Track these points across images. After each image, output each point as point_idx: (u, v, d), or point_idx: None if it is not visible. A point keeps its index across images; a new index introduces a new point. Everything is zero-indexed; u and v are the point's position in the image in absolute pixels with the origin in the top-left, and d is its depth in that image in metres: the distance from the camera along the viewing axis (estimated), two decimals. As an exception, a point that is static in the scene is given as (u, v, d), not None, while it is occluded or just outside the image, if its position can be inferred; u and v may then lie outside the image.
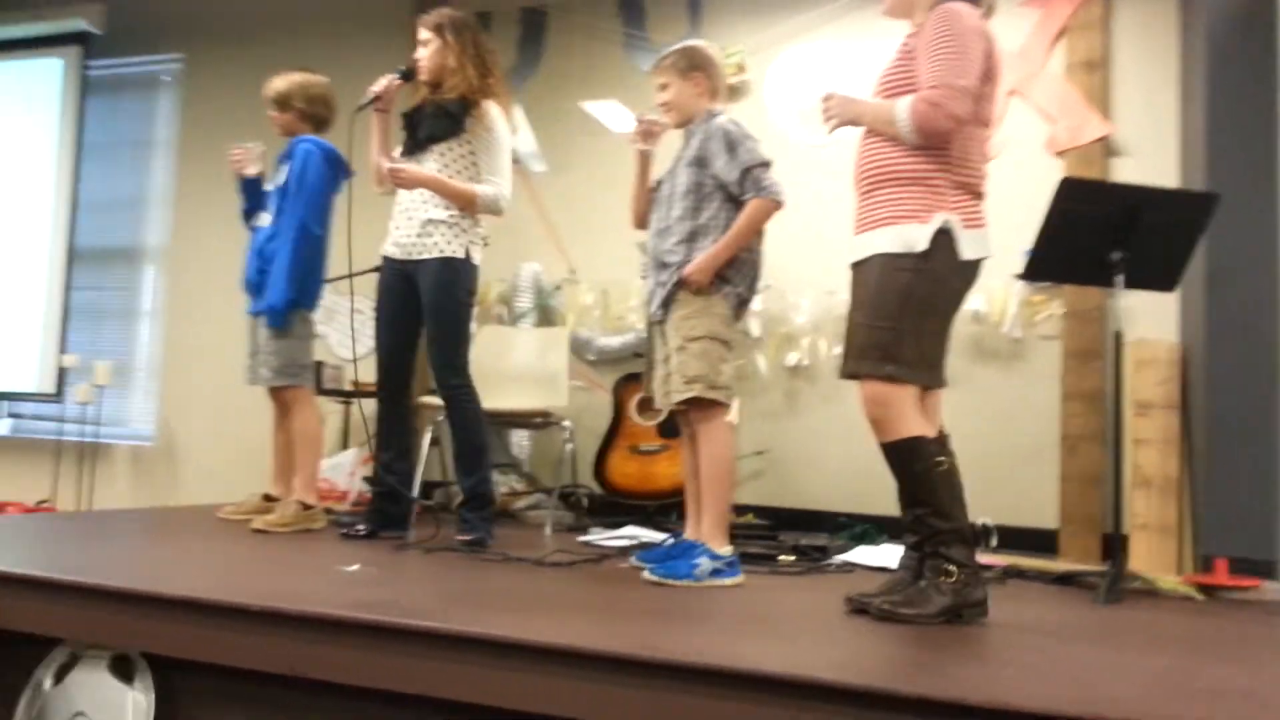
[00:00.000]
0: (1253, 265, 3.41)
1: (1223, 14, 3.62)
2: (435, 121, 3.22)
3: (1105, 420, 3.89)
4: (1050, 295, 4.10)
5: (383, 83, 3.28)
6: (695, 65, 3.03)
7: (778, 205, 2.87)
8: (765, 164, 2.89)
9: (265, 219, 3.58)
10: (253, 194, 3.68)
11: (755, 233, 2.89)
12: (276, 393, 3.58)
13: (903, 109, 2.30)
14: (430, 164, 3.22)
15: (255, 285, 3.56)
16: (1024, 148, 4.08)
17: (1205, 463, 3.47)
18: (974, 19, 2.36)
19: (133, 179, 5.93)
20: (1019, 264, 3.16)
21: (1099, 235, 2.96)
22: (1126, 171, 4.06)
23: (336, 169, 3.54)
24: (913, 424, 2.31)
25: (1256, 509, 3.27)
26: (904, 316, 2.30)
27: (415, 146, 3.26)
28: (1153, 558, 3.55)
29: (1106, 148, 4.11)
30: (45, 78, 5.98)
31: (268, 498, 3.65)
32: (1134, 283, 3.01)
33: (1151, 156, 4.05)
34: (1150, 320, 3.88)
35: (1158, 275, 3.10)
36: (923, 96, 2.27)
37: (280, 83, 3.65)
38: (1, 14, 6.00)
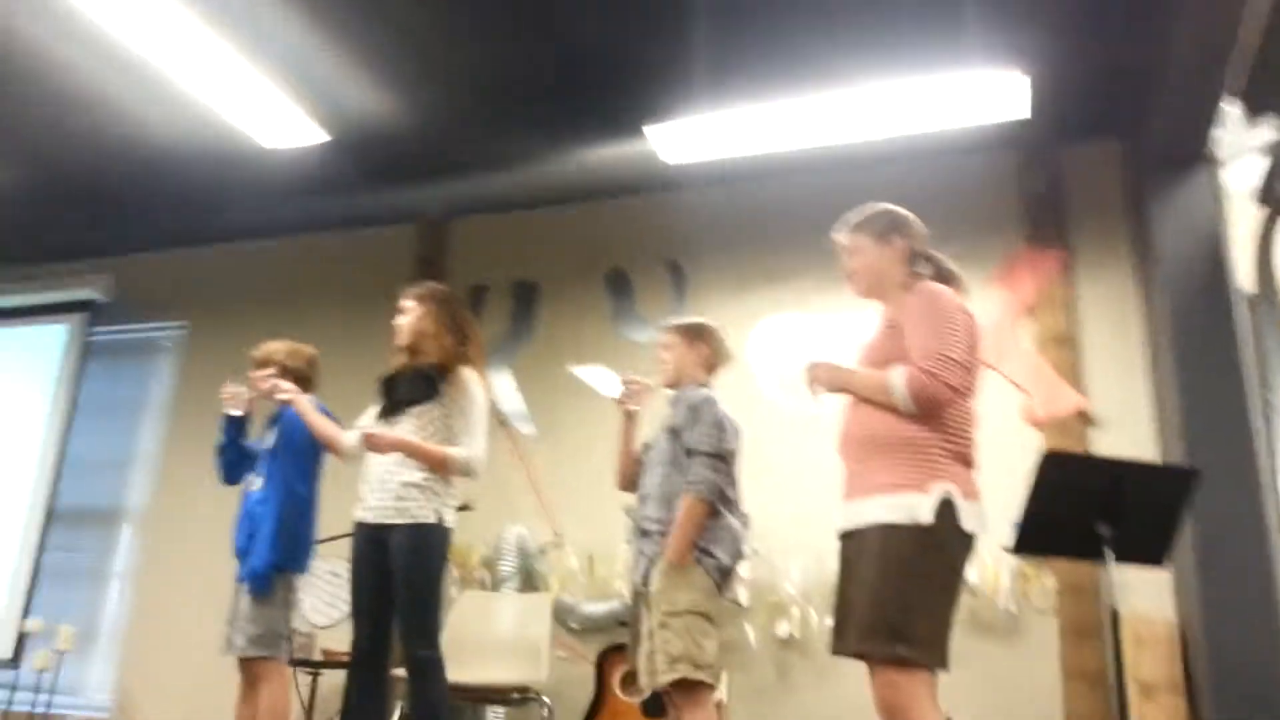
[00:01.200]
0: (1241, 539, 3.40)
1: (1181, 292, 3.81)
2: (412, 385, 3.29)
3: (1110, 703, 3.71)
4: (1042, 567, 4.04)
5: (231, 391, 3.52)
6: (701, 337, 3.19)
7: (705, 505, 2.85)
8: (710, 454, 2.90)
9: (256, 483, 3.57)
10: (232, 436, 3.66)
11: (695, 529, 2.84)
12: (247, 664, 3.41)
13: (898, 379, 2.34)
14: (405, 427, 3.25)
15: (244, 551, 3.49)
16: (1002, 419, 4.15)
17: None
18: (954, 296, 2.47)
19: (122, 440, 5.96)
20: (1007, 535, 3.13)
21: (1085, 507, 2.95)
22: (1105, 443, 4.12)
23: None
24: (927, 713, 2.18)
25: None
26: (912, 592, 2.22)
27: (391, 409, 3.31)
28: None
29: (1084, 420, 4.19)
30: (49, 343, 6.17)
31: None
32: (1123, 556, 2.97)
33: (1128, 429, 4.12)
34: (1147, 595, 3.78)
35: (1146, 549, 3.06)
36: (919, 367, 2.32)
37: (267, 345, 3.75)
38: (13, 284, 6.26)
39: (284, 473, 3.49)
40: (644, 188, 5.12)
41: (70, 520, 5.83)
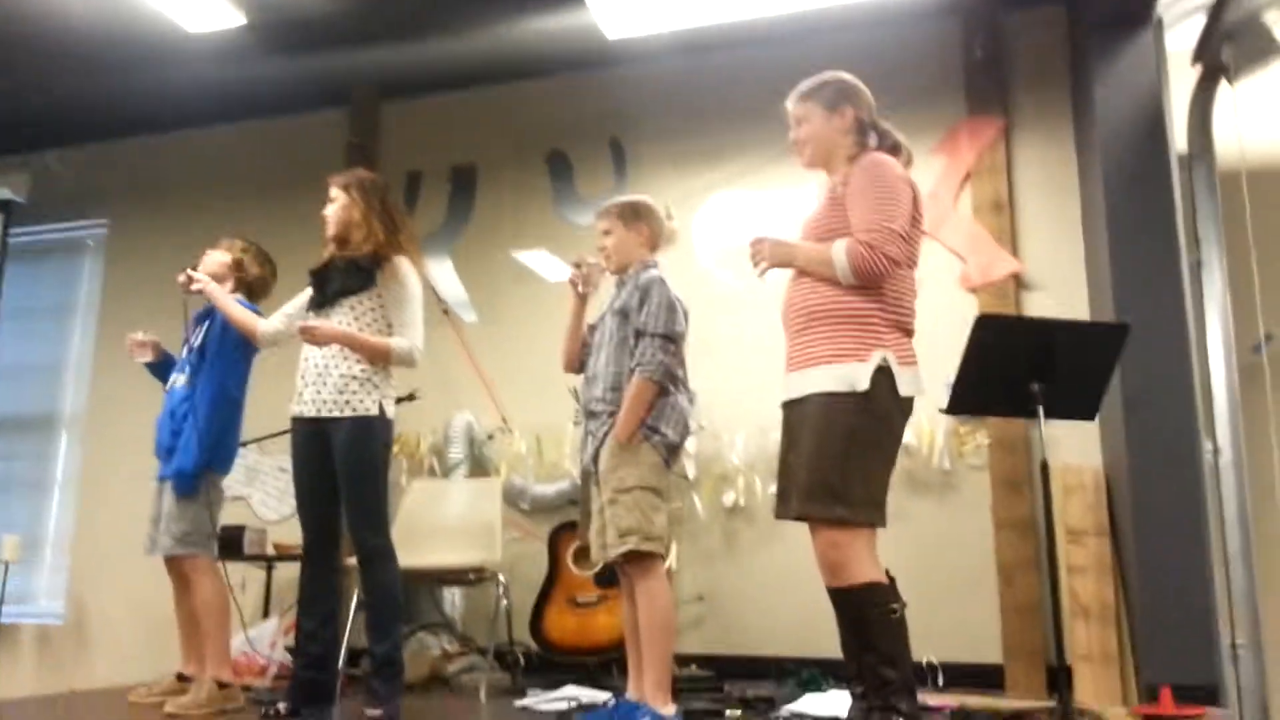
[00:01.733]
0: (1167, 391, 3.52)
1: (1116, 154, 3.83)
2: (346, 276, 3.22)
3: (1038, 548, 3.90)
4: (976, 426, 4.17)
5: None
6: (639, 215, 3.13)
7: (654, 385, 2.87)
8: (662, 336, 2.90)
9: (179, 379, 3.50)
10: (159, 373, 3.65)
11: (644, 409, 2.86)
12: (174, 563, 3.39)
13: (839, 251, 2.36)
14: (340, 319, 3.19)
15: (169, 449, 3.44)
16: (939, 285, 4.22)
17: (1139, 589, 3.48)
18: (898, 168, 2.47)
19: (52, 345, 5.81)
20: (942, 397, 3.21)
21: (1017, 368, 3.03)
22: (1039, 305, 4.21)
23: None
24: (867, 569, 2.28)
25: (1194, 633, 3.26)
26: (851, 456, 2.29)
27: (324, 301, 3.24)
28: (1098, 688, 3.50)
29: (1018, 283, 4.27)
30: (-37, 248, 5.90)
31: (181, 677, 3.42)
32: (1054, 412, 3.07)
33: (1062, 290, 4.21)
34: (1074, 447, 3.95)
35: (1077, 404, 3.17)
36: (859, 239, 2.34)
37: (233, 239, 3.67)
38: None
39: (215, 372, 3.42)
40: (584, 64, 4.97)
41: (5, 429, 5.72)
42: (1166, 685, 3.05)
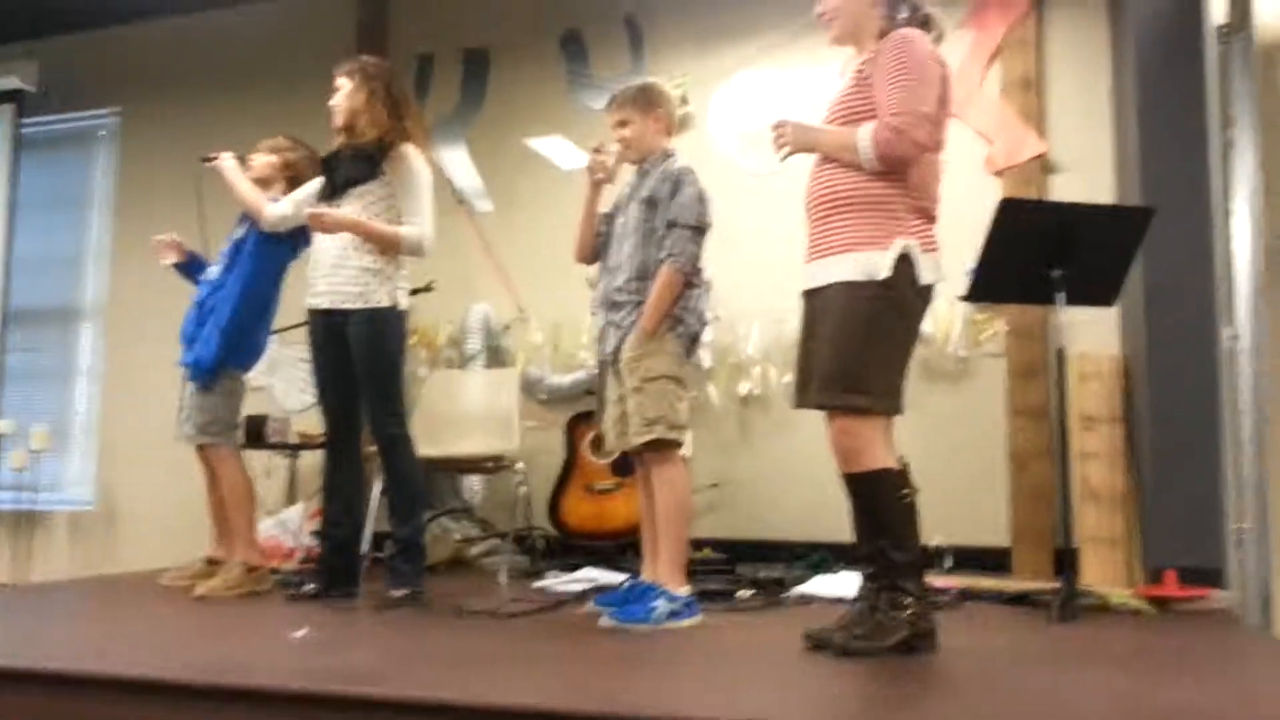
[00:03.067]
0: (1189, 278, 3.46)
1: (1151, 31, 3.69)
2: (353, 165, 3.20)
3: (1052, 435, 3.92)
4: (994, 314, 4.13)
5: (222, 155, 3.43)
6: (654, 102, 3.05)
7: (683, 277, 2.85)
8: (693, 227, 2.88)
9: (213, 271, 3.53)
10: (185, 272, 3.67)
11: (672, 300, 2.86)
12: (203, 451, 3.49)
13: (865, 136, 2.29)
14: (349, 209, 3.17)
15: (191, 337, 3.49)
16: (963, 168, 4.11)
17: (1150, 474, 3.50)
18: (928, 45, 2.37)
19: (69, 236, 5.82)
20: (962, 285, 3.18)
21: (1038, 253, 2.99)
22: (1064, 189, 4.12)
23: (296, 234, 3.44)
24: (881, 456, 2.29)
25: (1202, 518, 3.29)
26: (870, 346, 2.28)
27: (334, 191, 3.22)
28: (1103, 570, 3.56)
29: (1044, 166, 4.17)
30: (-24, 138, 5.85)
31: (211, 561, 3.55)
32: (1074, 299, 3.04)
33: (1088, 173, 4.11)
34: (1092, 335, 3.92)
35: (1097, 290, 3.14)
36: (887, 124, 2.27)
37: (278, 139, 3.63)
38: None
39: (246, 268, 3.43)
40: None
41: (27, 320, 5.78)
42: (1171, 568, 3.09)
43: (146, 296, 5.37)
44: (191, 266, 3.67)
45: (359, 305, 3.14)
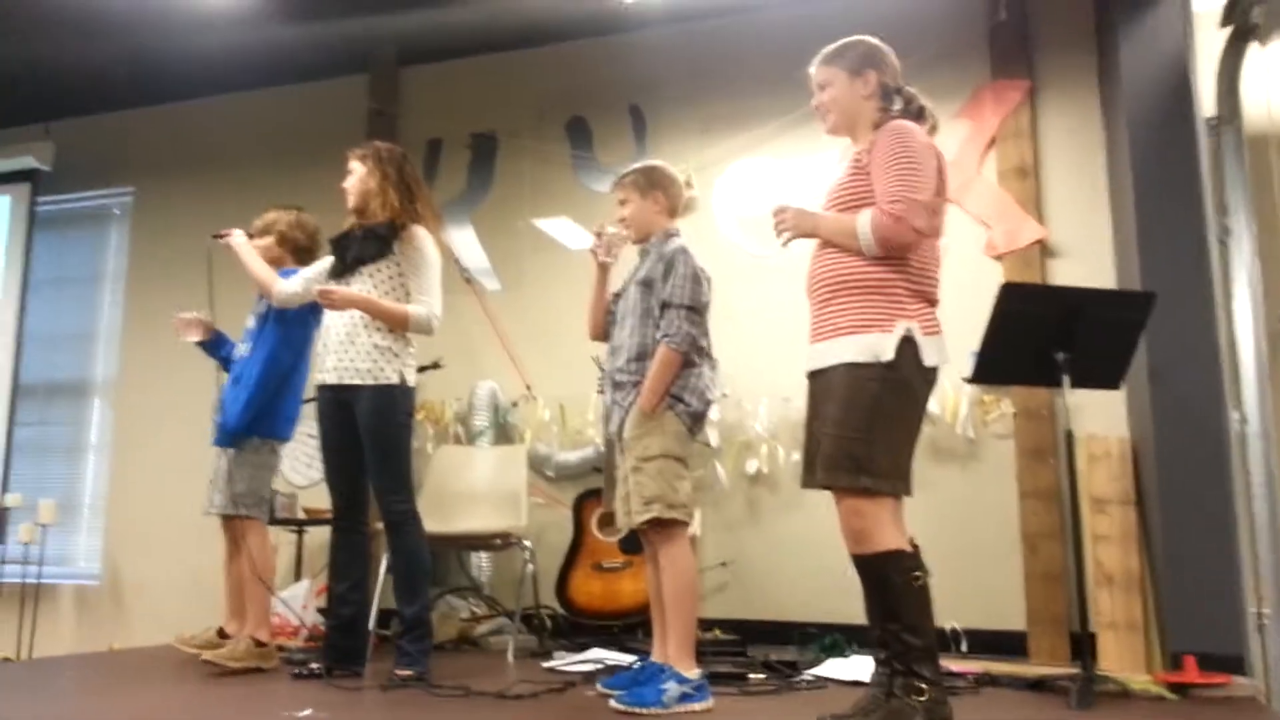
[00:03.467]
0: (1193, 361, 3.49)
1: (1144, 119, 3.78)
2: (364, 244, 3.27)
3: (1063, 518, 3.91)
4: (1000, 395, 4.16)
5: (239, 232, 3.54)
6: (655, 184, 3.10)
7: (679, 356, 2.86)
8: (688, 307, 2.90)
9: (242, 349, 3.59)
10: (213, 352, 3.73)
11: (669, 379, 2.86)
12: (229, 523, 3.50)
13: (864, 223, 2.35)
14: (358, 286, 3.25)
15: (234, 432, 3.52)
16: (964, 252, 4.19)
17: (1165, 557, 3.49)
18: (924, 135, 2.45)
19: (81, 313, 5.89)
20: (966, 366, 3.22)
21: (1042, 336, 3.04)
22: (1064, 273, 4.18)
23: (316, 306, 3.48)
24: (890, 537, 2.30)
25: (1220, 603, 3.26)
26: (875, 426, 2.30)
27: (344, 269, 3.29)
28: (1122, 656, 3.52)
29: (1044, 250, 4.24)
30: (-7, 217, 5.97)
31: (222, 634, 3.54)
32: (1080, 381, 3.08)
33: (1087, 258, 4.18)
34: (1100, 416, 3.93)
35: (1102, 373, 3.18)
36: (885, 210, 2.32)
37: (267, 214, 3.71)
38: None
39: (273, 336, 3.50)
40: (603, 29, 4.96)
41: (39, 395, 5.81)
42: (1191, 654, 3.06)
43: (156, 372, 5.44)
44: (217, 343, 3.72)
45: (368, 382, 3.18)
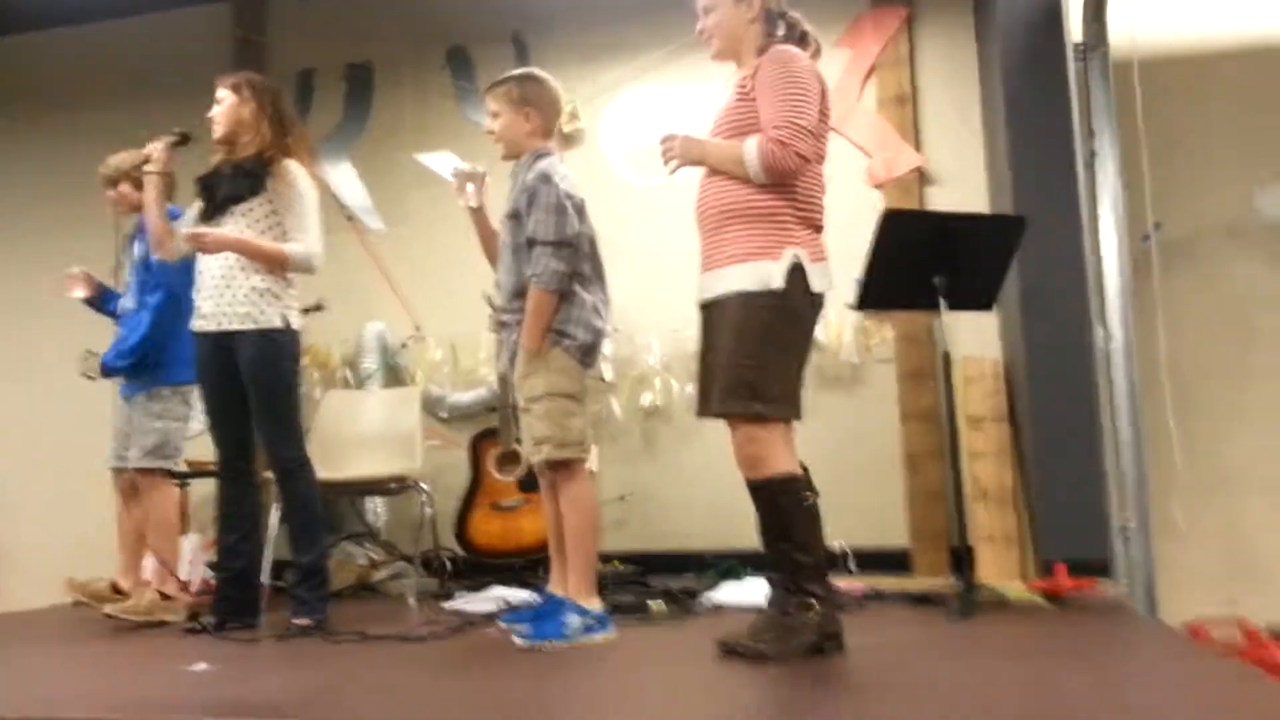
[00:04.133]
0: (1062, 282, 3.65)
1: (1015, 46, 3.87)
2: (235, 181, 3.12)
3: (942, 437, 4.08)
4: (882, 320, 4.28)
5: (156, 146, 3.19)
6: (528, 99, 2.93)
7: (552, 295, 2.76)
8: (553, 243, 2.76)
9: (128, 303, 3.43)
10: (99, 307, 3.57)
11: (546, 318, 2.77)
12: (123, 475, 3.38)
13: (750, 149, 2.35)
14: (231, 226, 3.10)
15: (113, 365, 3.41)
16: (845, 181, 4.25)
17: (1036, 472, 3.68)
18: (807, 61, 2.45)
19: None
20: (850, 293, 3.29)
21: (921, 262, 3.12)
22: (941, 199, 4.29)
23: None
24: (784, 461, 2.36)
25: (1087, 512, 3.47)
26: (767, 354, 2.34)
27: (215, 210, 3.13)
28: (998, 567, 3.73)
29: (922, 178, 4.34)
30: None
31: (115, 589, 3.42)
32: (955, 304, 3.18)
33: (963, 184, 4.29)
34: (975, 338, 4.09)
35: (976, 296, 3.29)
36: (770, 136, 2.33)
37: (116, 160, 3.51)
38: None
39: (169, 282, 3.37)
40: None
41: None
42: (1061, 561, 3.26)
43: (16, 319, 5.12)
44: (104, 298, 3.55)
45: (249, 326, 3.06)
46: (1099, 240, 3.74)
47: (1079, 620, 2.86)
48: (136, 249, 3.44)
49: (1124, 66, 3.74)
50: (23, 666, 2.63)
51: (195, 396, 3.43)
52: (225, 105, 3.16)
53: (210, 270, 3.12)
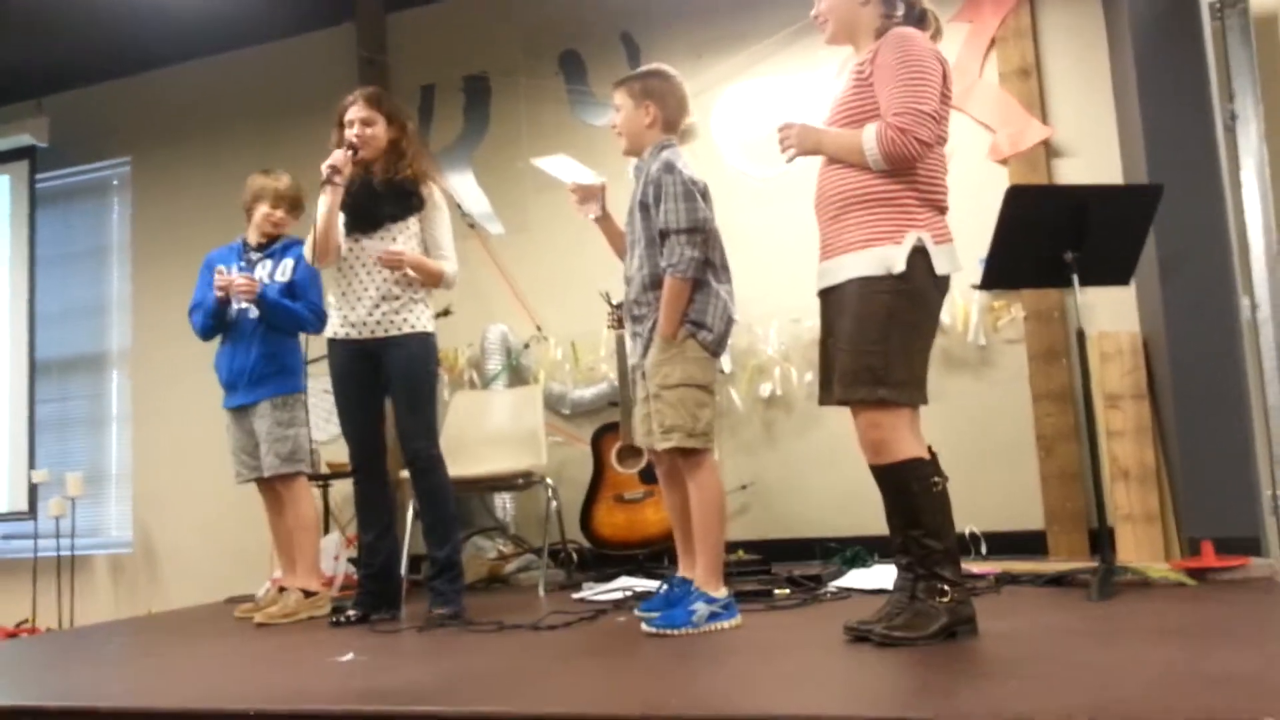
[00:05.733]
0: (1203, 250, 3.46)
1: (1146, 10, 3.70)
2: (396, 201, 3.27)
3: (1077, 416, 3.92)
4: (1010, 300, 4.15)
5: (339, 155, 3.21)
6: (649, 93, 2.92)
7: (687, 283, 2.74)
8: (686, 230, 2.74)
9: (254, 312, 3.56)
10: (220, 316, 3.67)
11: (682, 307, 2.75)
12: (270, 482, 3.56)
13: (870, 138, 2.31)
14: (380, 242, 3.26)
15: (233, 380, 3.59)
16: (968, 158, 4.14)
17: (1179, 448, 3.50)
18: (927, 42, 2.39)
19: (91, 286, 5.91)
20: (976, 273, 3.20)
21: (1050, 238, 3.02)
22: (1070, 172, 4.14)
23: None
24: (909, 446, 2.32)
25: (1234, 487, 3.28)
26: (890, 338, 2.30)
27: (370, 225, 3.27)
28: (1140, 547, 3.57)
29: (1049, 151, 4.19)
30: (-6, 197, 5.96)
31: (283, 589, 3.61)
32: (1089, 280, 3.07)
33: (1093, 155, 4.13)
34: (1110, 314, 3.93)
35: (1112, 270, 3.16)
36: (890, 124, 2.29)
37: (255, 181, 3.70)
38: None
39: (306, 296, 3.61)
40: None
41: (56, 371, 5.87)
42: (1207, 540, 3.10)
43: (169, 341, 5.45)
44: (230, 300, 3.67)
45: (405, 330, 3.25)
46: (1242, 206, 3.52)
47: (1228, 599, 2.71)
48: (263, 266, 3.62)
49: (1266, 21, 3.53)
50: (183, 661, 2.79)
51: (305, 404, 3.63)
52: (378, 127, 3.29)
53: (361, 281, 3.27)
